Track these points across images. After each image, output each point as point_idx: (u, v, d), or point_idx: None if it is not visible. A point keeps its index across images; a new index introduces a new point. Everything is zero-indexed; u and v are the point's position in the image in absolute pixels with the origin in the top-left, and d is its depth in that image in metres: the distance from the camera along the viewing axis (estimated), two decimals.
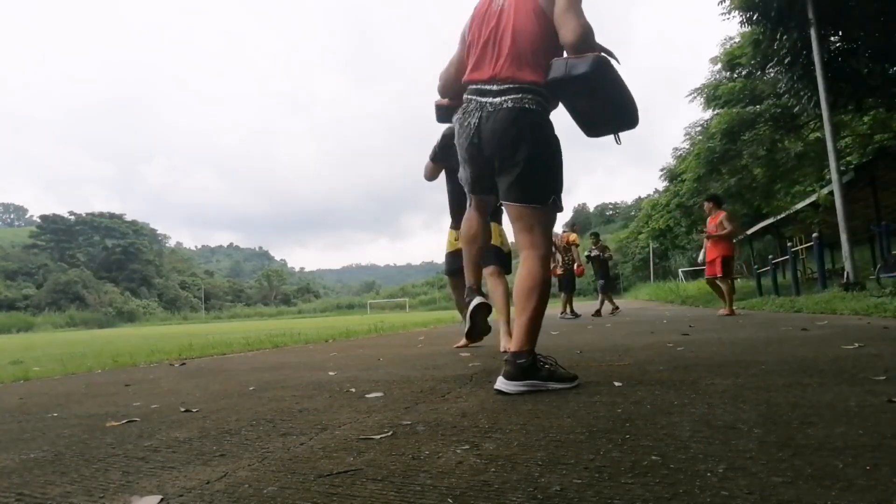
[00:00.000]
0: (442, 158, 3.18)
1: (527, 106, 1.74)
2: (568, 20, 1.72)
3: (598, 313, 8.37)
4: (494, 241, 3.18)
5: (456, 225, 3.37)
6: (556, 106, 1.89)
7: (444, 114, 2.28)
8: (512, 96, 1.75)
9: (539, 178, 1.77)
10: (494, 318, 2.83)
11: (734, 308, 6.71)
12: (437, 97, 2.30)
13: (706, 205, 7.17)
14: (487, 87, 1.80)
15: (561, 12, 1.74)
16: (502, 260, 3.24)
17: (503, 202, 1.84)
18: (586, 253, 9.00)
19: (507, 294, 3.20)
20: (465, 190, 2.04)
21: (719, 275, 6.64)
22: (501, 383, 1.66)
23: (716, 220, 6.74)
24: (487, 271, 3.18)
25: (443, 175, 3.42)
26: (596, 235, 9.46)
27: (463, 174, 1.99)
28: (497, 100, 1.76)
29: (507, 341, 3.02)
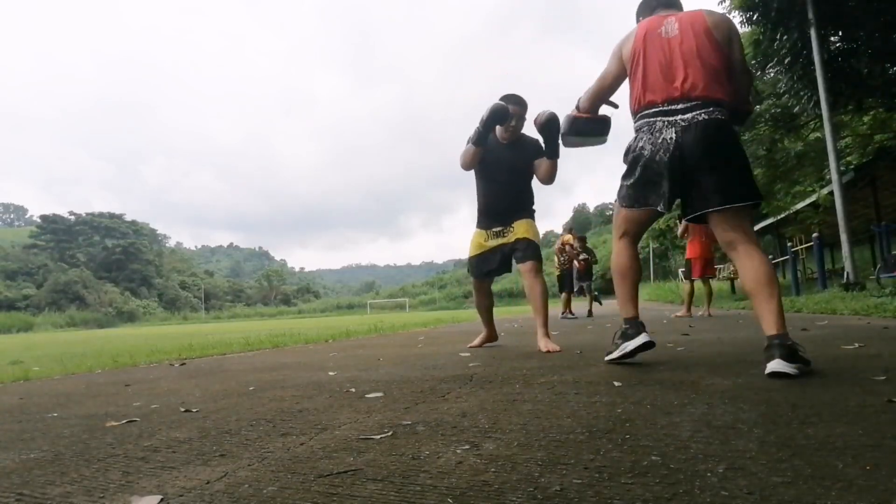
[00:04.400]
0: (484, 142, 3.03)
1: (719, 117, 1.92)
2: (746, 80, 2.12)
3: (589, 313, 8.62)
4: (529, 235, 3.12)
5: (483, 225, 3.25)
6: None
7: (579, 125, 2.35)
8: (704, 110, 1.91)
9: (745, 180, 1.92)
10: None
11: (690, 311, 6.81)
12: (574, 109, 2.40)
13: None
14: (673, 106, 1.95)
15: (742, 70, 2.07)
16: (538, 254, 3.13)
17: (713, 209, 1.91)
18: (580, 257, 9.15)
19: (546, 293, 3.13)
20: (661, 207, 2.01)
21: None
22: (781, 365, 1.64)
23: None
24: (525, 267, 3.09)
25: (471, 175, 3.34)
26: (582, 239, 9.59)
27: (657, 190, 2.00)
28: (689, 115, 1.92)
29: (546, 343, 2.98)
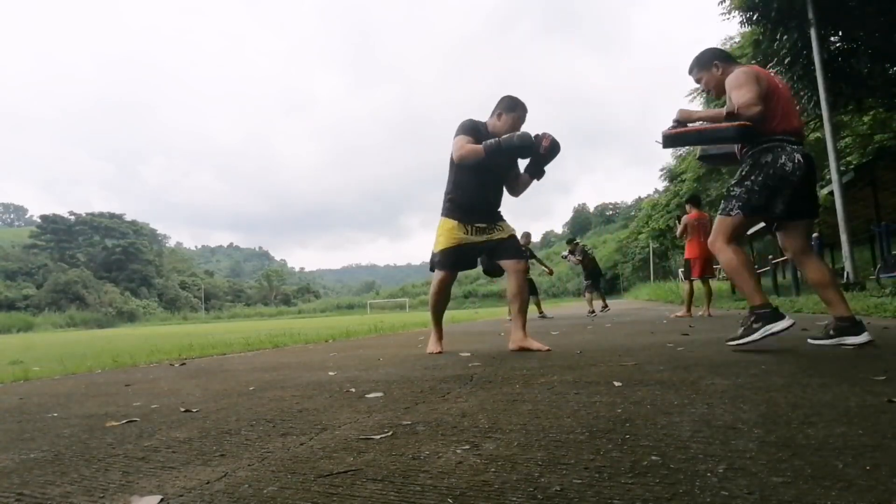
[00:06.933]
0: (493, 158, 2.94)
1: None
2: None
3: (593, 312, 8.94)
4: (515, 234, 3.20)
5: (463, 218, 3.10)
6: None
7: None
8: (801, 146, 2.41)
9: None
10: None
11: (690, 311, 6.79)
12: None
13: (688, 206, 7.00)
14: (794, 136, 2.40)
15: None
16: (524, 255, 3.21)
17: (808, 219, 2.53)
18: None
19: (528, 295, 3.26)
20: (778, 216, 2.46)
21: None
22: (866, 336, 2.32)
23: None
24: (520, 266, 3.09)
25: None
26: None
27: (776, 203, 2.38)
28: (800, 147, 2.39)
29: (531, 342, 3.03)
